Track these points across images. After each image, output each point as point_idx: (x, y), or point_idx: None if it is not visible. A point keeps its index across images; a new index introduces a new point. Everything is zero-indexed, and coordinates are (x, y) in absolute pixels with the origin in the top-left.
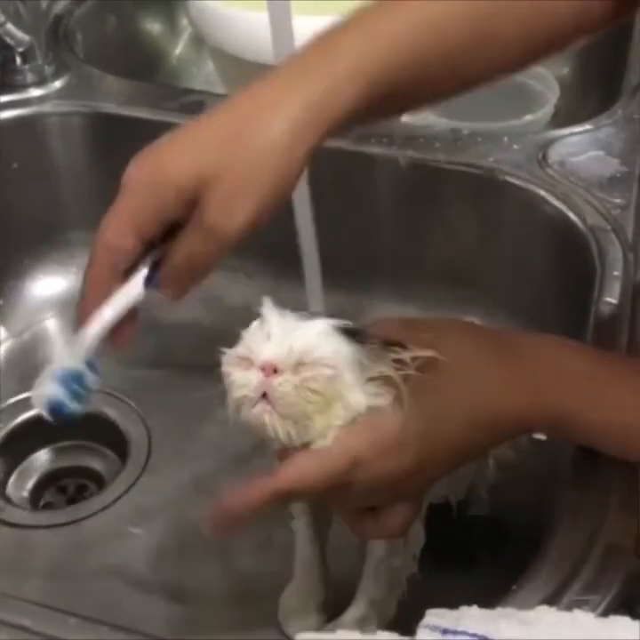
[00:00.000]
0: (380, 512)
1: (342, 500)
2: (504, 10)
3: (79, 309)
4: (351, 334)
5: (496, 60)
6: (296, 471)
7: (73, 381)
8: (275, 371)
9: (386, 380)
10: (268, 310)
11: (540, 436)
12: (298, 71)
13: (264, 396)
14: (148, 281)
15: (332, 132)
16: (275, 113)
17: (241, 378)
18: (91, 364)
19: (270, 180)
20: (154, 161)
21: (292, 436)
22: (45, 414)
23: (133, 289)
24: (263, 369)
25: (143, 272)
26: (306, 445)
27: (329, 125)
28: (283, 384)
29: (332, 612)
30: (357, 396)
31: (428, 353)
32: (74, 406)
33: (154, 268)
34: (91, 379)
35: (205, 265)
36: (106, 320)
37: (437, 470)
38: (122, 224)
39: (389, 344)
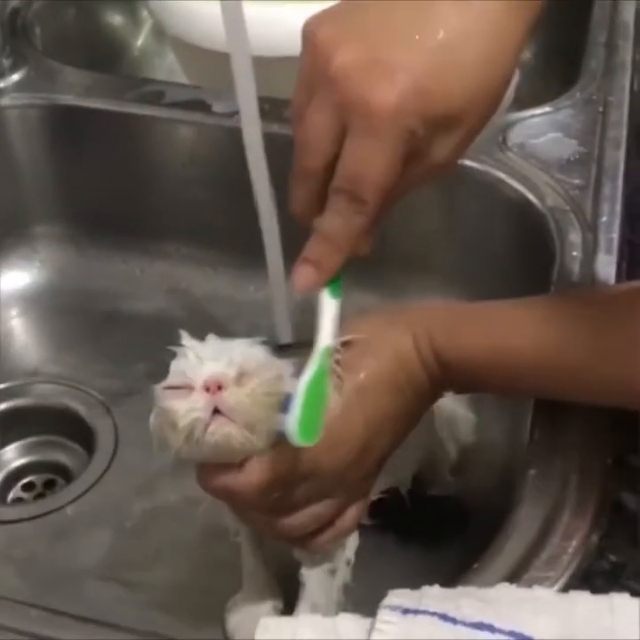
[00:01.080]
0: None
1: (303, 495)
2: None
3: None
4: (276, 347)
5: None
6: (263, 466)
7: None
8: (219, 387)
9: None
10: (188, 339)
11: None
12: None
13: (215, 412)
14: None
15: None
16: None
17: (185, 406)
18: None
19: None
20: (408, 79)
21: (254, 442)
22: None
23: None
24: (207, 388)
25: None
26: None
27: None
28: (232, 395)
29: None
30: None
31: (347, 337)
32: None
33: None
34: None
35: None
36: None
37: (385, 443)
38: (392, 160)
39: (310, 343)
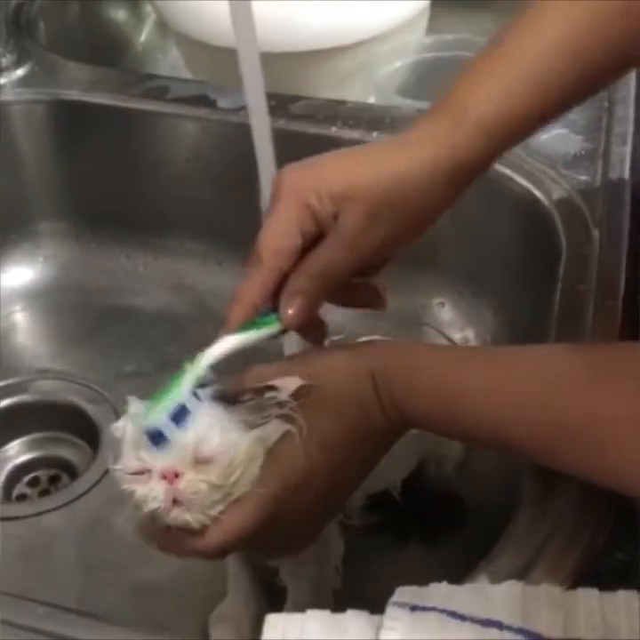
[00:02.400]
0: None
1: (265, 540)
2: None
3: (232, 308)
4: (223, 397)
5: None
6: (223, 528)
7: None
8: (176, 475)
9: (276, 418)
10: (135, 403)
11: None
12: (431, 123)
13: (174, 501)
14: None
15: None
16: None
17: (146, 492)
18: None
19: (407, 209)
20: (310, 168)
21: (213, 515)
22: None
23: (264, 334)
24: (165, 477)
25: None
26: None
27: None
28: (189, 485)
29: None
30: (257, 449)
31: (296, 382)
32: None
33: None
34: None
35: (337, 276)
36: (227, 348)
37: (347, 487)
38: (285, 227)
39: (262, 391)
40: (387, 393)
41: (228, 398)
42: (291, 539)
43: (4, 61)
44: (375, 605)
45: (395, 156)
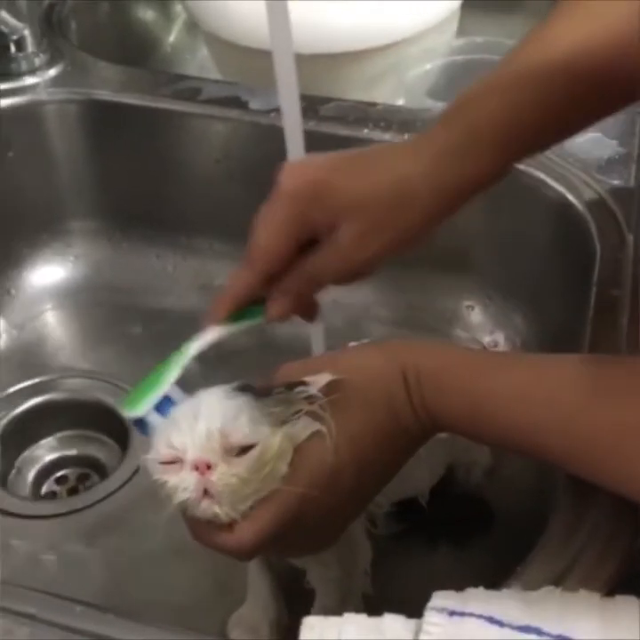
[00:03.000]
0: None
1: (291, 539)
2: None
3: (216, 304)
4: (252, 390)
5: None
6: (253, 526)
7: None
8: (208, 466)
9: (306, 416)
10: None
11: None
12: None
13: (205, 492)
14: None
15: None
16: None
17: (178, 482)
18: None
19: (404, 228)
20: (313, 177)
21: (242, 510)
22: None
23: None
24: (196, 467)
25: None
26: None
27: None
28: (221, 477)
29: (285, 631)
30: (286, 445)
31: (326, 377)
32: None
33: None
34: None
35: (326, 283)
36: (212, 339)
37: (373, 488)
38: (282, 232)
39: (292, 386)
40: (417, 393)
41: (257, 391)
42: (313, 537)
43: (37, 61)
44: (407, 610)
45: (398, 168)
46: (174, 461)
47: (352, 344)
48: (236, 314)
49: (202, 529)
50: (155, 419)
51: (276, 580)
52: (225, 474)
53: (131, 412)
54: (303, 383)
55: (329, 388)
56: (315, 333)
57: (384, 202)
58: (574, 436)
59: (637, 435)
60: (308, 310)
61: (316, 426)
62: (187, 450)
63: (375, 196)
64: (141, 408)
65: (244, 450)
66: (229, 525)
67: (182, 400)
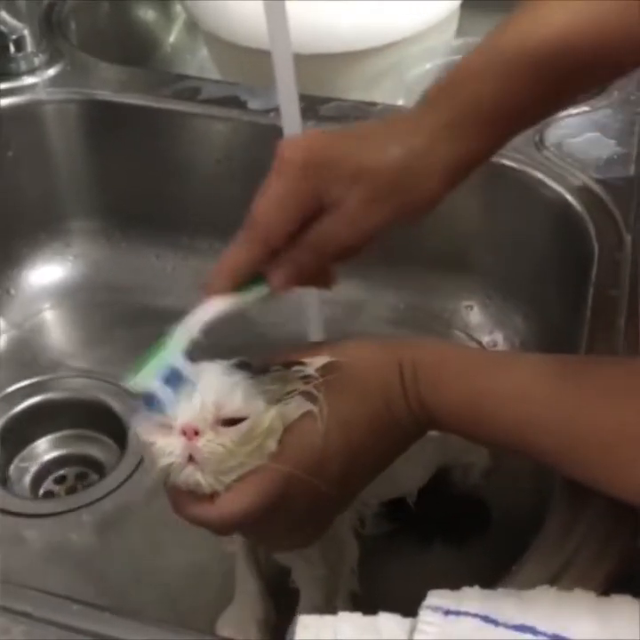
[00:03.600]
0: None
1: (275, 523)
2: None
3: (216, 274)
4: (249, 367)
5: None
6: (234, 499)
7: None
8: (196, 432)
9: (300, 395)
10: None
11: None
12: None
13: (190, 458)
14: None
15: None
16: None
17: (164, 445)
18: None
19: (410, 196)
20: (314, 146)
21: (226, 482)
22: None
23: (251, 298)
24: (184, 433)
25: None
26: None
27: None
28: (207, 445)
29: (272, 630)
30: (277, 423)
31: (325, 359)
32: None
33: None
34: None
35: (333, 252)
36: (216, 311)
37: (362, 477)
38: (287, 205)
39: (289, 365)
40: (413, 387)
41: (254, 369)
42: (298, 526)
43: (37, 61)
44: (403, 609)
45: (400, 141)
46: (165, 426)
47: None
48: (238, 288)
49: (182, 499)
50: (164, 392)
51: (264, 580)
52: (211, 441)
53: (139, 384)
54: (301, 363)
55: (326, 370)
56: (313, 332)
57: (393, 171)
58: (571, 435)
59: (633, 436)
60: (322, 279)
61: (309, 406)
62: (178, 416)
63: (384, 165)
64: (149, 380)
65: (235, 423)
66: (211, 497)
67: (190, 372)
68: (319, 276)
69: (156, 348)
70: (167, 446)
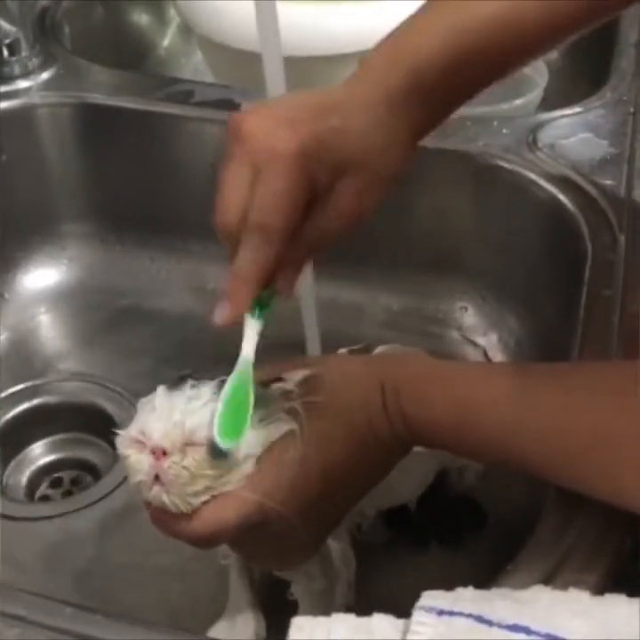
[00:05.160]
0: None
1: (258, 543)
2: None
3: (233, 286)
4: None
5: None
6: (210, 516)
7: None
8: (164, 453)
9: (281, 413)
10: (159, 391)
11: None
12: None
13: (157, 477)
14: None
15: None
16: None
17: (135, 462)
18: None
19: (388, 175)
20: (300, 137)
21: (194, 504)
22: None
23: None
24: (153, 452)
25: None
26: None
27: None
28: (172, 466)
29: None
30: (252, 444)
31: (304, 372)
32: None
33: None
34: None
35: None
36: (255, 334)
37: (345, 495)
38: (293, 201)
39: (268, 382)
40: (395, 405)
41: None
42: (283, 546)
43: (30, 65)
44: (397, 610)
45: (368, 117)
46: (141, 442)
47: (342, 351)
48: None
49: (159, 513)
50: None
51: (257, 594)
52: (177, 464)
53: (233, 443)
54: (280, 380)
55: (307, 386)
56: (310, 344)
57: (373, 156)
58: (553, 440)
59: (607, 439)
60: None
61: (289, 426)
62: (152, 435)
63: (367, 152)
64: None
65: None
66: (184, 515)
67: (203, 397)
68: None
69: (231, 396)
70: (138, 463)
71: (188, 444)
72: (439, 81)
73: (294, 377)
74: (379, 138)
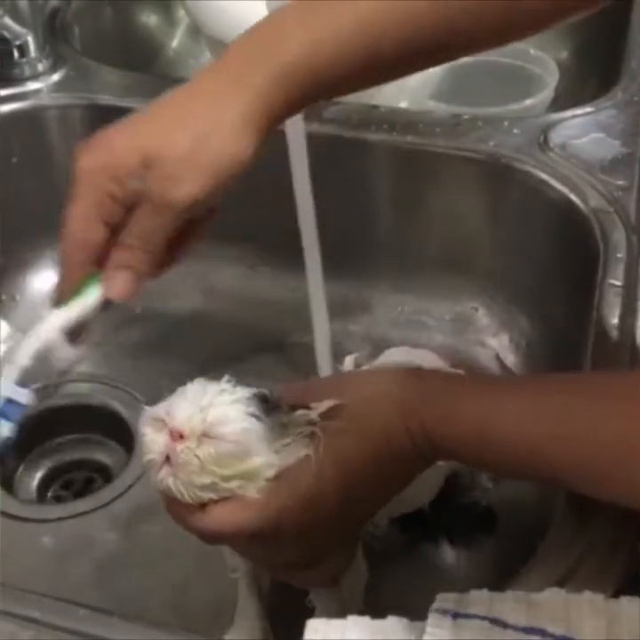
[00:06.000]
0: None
1: (273, 556)
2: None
3: (55, 298)
4: (265, 400)
5: (461, 48)
6: (223, 516)
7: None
8: (181, 436)
9: (301, 437)
10: (197, 380)
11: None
12: (245, 62)
13: (168, 459)
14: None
15: (278, 120)
16: (223, 105)
17: (151, 440)
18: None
19: (213, 162)
20: (103, 149)
21: (199, 496)
22: None
23: (89, 300)
24: (171, 433)
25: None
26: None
27: (275, 115)
28: (185, 451)
29: None
30: (267, 463)
31: (329, 403)
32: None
33: None
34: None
35: (155, 241)
36: (49, 332)
37: (362, 510)
38: (88, 221)
39: (296, 408)
40: (416, 422)
41: (267, 406)
42: (302, 561)
43: (40, 66)
44: (411, 613)
45: (191, 112)
46: (162, 421)
47: (348, 358)
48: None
49: (174, 502)
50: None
51: (265, 604)
52: (190, 450)
53: None
54: (307, 407)
55: (330, 412)
56: (322, 365)
57: (183, 146)
58: (582, 449)
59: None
60: (168, 262)
61: (306, 451)
62: (176, 416)
63: (171, 144)
64: None
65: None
66: (194, 507)
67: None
68: (165, 264)
69: None
70: (153, 442)
71: (205, 434)
72: (300, 83)
73: (321, 406)
74: (189, 129)
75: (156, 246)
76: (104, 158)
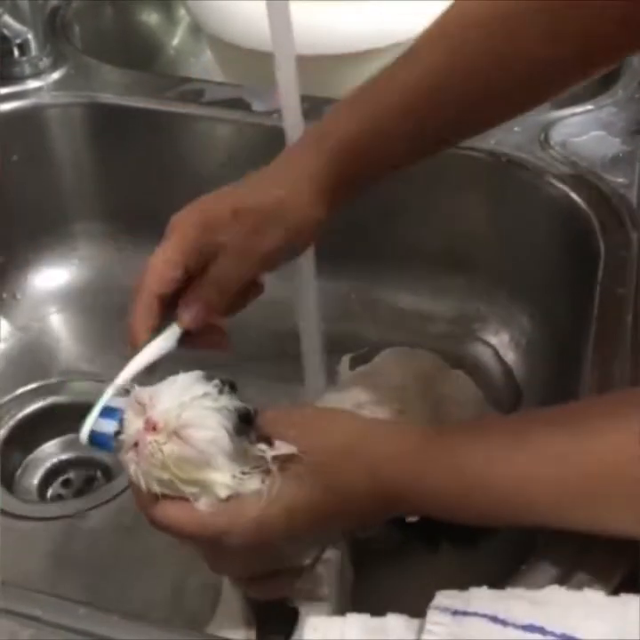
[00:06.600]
0: (263, 579)
1: (217, 566)
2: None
3: (130, 332)
4: (246, 419)
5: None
6: (172, 514)
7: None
8: (154, 428)
9: (258, 472)
10: (191, 373)
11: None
12: (309, 141)
13: (136, 444)
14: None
15: (342, 191)
16: (299, 170)
17: (128, 421)
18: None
19: (291, 220)
20: (196, 207)
21: (155, 488)
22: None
23: (168, 342)
24: (146, 422)
25: (176, 329)
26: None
27: (336, 186)
28: (152, 444)
29: None
30: (222, 483)
31: (291, 450)
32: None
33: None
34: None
35: (231, 284)
36: (135, 369)
37: (306, 547)
38: (172, 256)
39: (261, 440)
40: (383, 484)
41: (248, 422)
42: (242, 573)
43: (41, 65)
44: (411, 610)
45: (273, 179)
46: (144, 405)
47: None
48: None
49: (134, 488)
50: (105, 426)
51: (249, 603)
52: (158, 443)
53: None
54: (270, 442)
55: (287, 459)
56: (311, 381)
57: (267, 205)
58: (564, 487)
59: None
60: (214, 337)
61: (259, 487)
62: (156, 405)
63: (258, 202)
64: (84, 432)
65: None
66: (154, 496)
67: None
68: (234, 307)
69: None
70: (129, 423)
71: (176, 432)
72: (354, 162)
73: (280, 450)
74: (275, 192)
75: (231, 289)
76: (198, 213)
